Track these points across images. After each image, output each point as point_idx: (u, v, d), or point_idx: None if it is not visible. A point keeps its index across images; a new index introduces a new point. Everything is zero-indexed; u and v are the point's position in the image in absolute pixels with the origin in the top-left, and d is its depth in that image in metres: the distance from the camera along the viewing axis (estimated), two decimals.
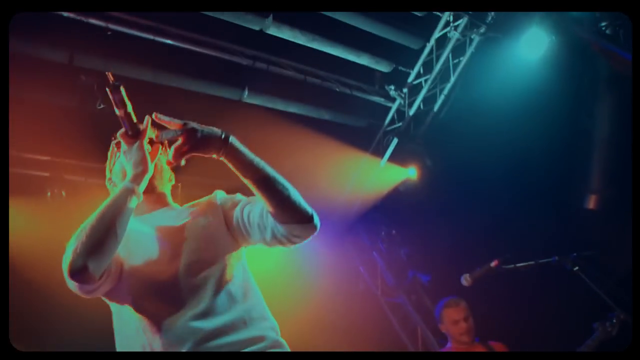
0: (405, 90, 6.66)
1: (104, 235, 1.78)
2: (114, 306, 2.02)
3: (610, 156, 6.85)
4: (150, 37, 5.12)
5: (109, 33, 4.92)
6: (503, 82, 5.99)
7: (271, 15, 5.24)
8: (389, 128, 6.84)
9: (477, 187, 6.46)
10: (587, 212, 7.07)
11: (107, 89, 1.84)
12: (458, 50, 6.34)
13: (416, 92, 6.64)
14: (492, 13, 6.08)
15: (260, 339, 1.92)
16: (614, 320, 3.52)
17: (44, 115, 4.98)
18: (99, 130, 5.22)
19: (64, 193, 5.61)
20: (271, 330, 1.99)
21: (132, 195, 1.89)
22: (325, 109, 6.35)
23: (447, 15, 6.18)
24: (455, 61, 6.40)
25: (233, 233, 2.09)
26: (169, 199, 2.27)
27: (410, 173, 6.70)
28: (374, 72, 6.59)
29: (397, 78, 6.64)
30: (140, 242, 2.01)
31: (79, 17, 4.76)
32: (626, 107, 6.17)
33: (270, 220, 1.94)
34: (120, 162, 2.13)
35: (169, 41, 5.18)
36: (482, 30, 6.13)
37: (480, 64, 6.27)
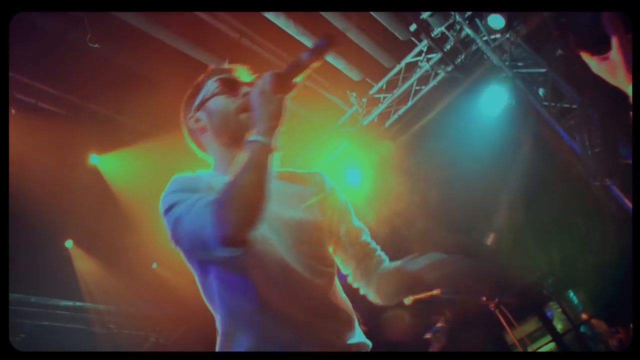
0: (364, 100, 7.03)
1: (259, 194, 1.59)
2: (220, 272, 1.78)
3: (514, 202, 7.65)
4: None
5: None
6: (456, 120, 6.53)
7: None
8: (341, 129, 7.19)
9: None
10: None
11: (328, 39, 1.70)
12: (423, 79, 6.80)
13: (373, 104, 7.03)
14: (462, 55, 6.57)
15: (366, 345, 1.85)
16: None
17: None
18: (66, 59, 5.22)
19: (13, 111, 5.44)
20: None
21: (271, 152, 1.65)
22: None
23: (422, 45, 6.60)
24: (417, 88, 6.85)
25: (335, 237, 2.00)
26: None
27: (350, 174, 7.12)
28: (340, 73, 6.88)
29: (360, 87, 6.98)
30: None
31: None
32: (538, 164, 7.05)
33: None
34: (223, 100, 1.92)
35: None
36: (450, 68, 6.61)
37: (439, 97, 6.76)
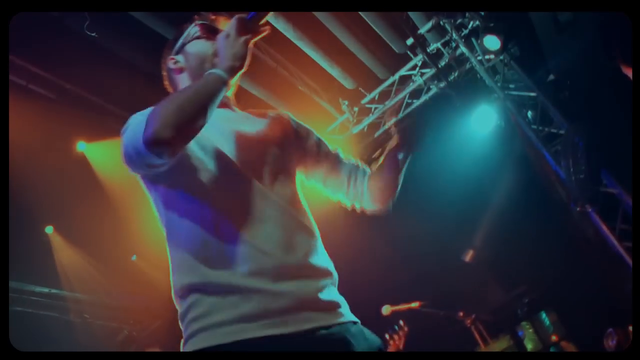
0: (356, 109, 7.08)
1: (198, 112, 1.66)
2: (171, 201, 1.84)
3: (494, 221, 7.75)
4: None
5: None
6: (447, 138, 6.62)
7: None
8: (330, 136, 7.23)
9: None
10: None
11: None
12: (415, 93, 6.86)
13: (365, 114, 7.08)
14: (456, 73, 6.65)
15: (330, 272, 1.87)
16: None
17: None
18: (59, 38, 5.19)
19: None
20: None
21: (224, 87, 1.74)
22: (282, 100, 6.59)
23: (417, 59, 6.66)
24: (409, 101, 6.91)
25: (303, 157, 2.11)
26: (233, 101, 2.13)
27: None
28: (334, 80, 6.93)
29: (353, 96, 7.03)
30: (214, 136, 1.88)
31: None
32: (521, 185, 7.16)
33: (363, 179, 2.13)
34: (202, 43, 2.03)
35: None
36: (442, 84, 6.68)
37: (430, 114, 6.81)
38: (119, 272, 7.11)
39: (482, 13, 5.39)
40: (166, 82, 2.15)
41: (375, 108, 7.03)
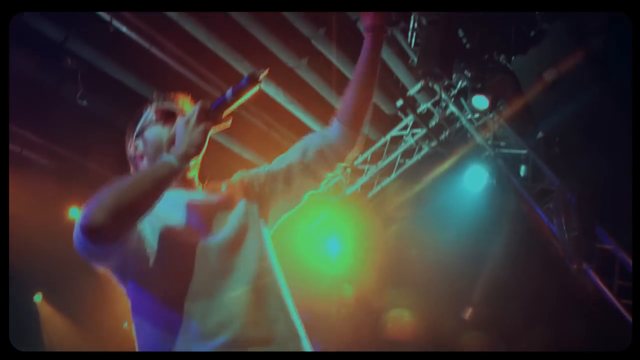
0: (348, 170, 7.11)
1: (138, 199, 1.63)
2: (133, 291, 1.82)
3: (491, 278, 7.66)
4: (146, 45, 5.20)
5: (110, 30, 4.96)
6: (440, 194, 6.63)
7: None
8: (323, 197, 7.22)
9: None
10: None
11: (252, 76, 1.76)
12: (407, 153, 6.91)
13: (357, 175, 7.10)
14: (447, 132, 6.72)
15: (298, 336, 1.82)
16: None
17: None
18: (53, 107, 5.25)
19: None
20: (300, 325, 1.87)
21: (176, 175, 1.72)
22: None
23: (408, 120, 6.75)
24: (401, 161, 6.95)
25: (265, 195, 2.04)
26: (197, 180, 2.06)
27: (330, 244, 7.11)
28: None
29: None
30: (168, 219, 1.83)
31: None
32: (517, 241, 7.12)
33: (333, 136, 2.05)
34: (158, 130, 1.98)
35: (162, 56, 5.27)
36: (434, 144, 6.74)
37: (423, 173, 6.87)
38: (109, 341, 6.92)
39: (469, 74, 5.50)
40: (131, 168, 2.07)
41: (368, 169, 7.06)
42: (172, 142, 1.86)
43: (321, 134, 2.12)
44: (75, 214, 6.04)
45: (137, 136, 2.02)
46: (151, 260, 1.76)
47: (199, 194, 1.98)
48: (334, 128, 2.08)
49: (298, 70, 5.69)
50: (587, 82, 5.80)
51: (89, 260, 1.73)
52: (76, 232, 1.60)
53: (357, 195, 7.17)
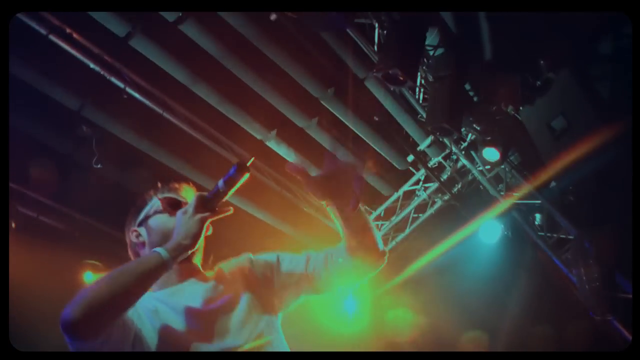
0: None
1: (118, 294, 1.62)
2: None
3: (512, 329, 7.47)
4: (159, 110, 5.32)
5: (125, 96, 5.08)
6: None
7: (275, 131, 5.61)
8: None
9: None
10: None
11: (240, 165, 1.80)
12: (420, 207, 6.90)
13: None
14: (459, 184, 6.72)
15: None
16: None
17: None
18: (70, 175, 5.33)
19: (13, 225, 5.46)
20: None
21: (164, 269, 1.72)
22: (288, 223, 6.61)
23: (420, 174, 6.76)
24: (414, 215, 6.93)
25: (276, 293, 2.02)
26: (200, 268, 2.05)
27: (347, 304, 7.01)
28: None
29: None
30: (169, 319, 1.83)
31: (102, 72, 4.92)
32: (535, 292, 6.98)
33: (341, 259, 1.95)
34: (164, 219, 1.99)
35: (175, 121, 5.38)
36: (447, 197, 6.73)
37: (437, 227, 6.83)
38: None
39: (478, 127, 5.54)
40: (130, 254, 2.06)
41: (382, 224, 7.03)
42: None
43: (342, 253, 2.01)
44: (90, 278, 6.03)
45: (139, 224, 2.02)
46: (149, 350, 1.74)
47: (202, 288, 1.95)
48: (347, 255, 1.99)
49: (308, 130, 5.76)
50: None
51: (75, 348, 1.68)
52: (60, 323, 1.58)
53: None
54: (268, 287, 2.02)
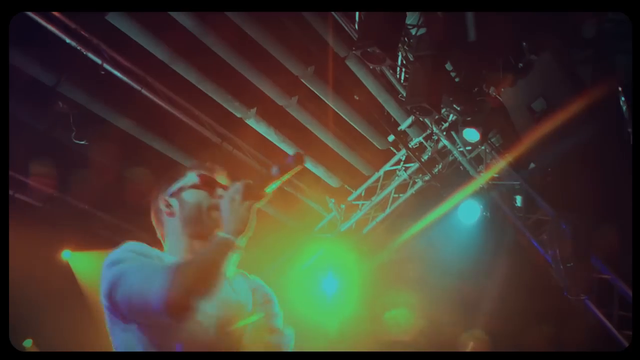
0: (342, 206, 7.09)
1: (214, 280, 1.73)
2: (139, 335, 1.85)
3: (494, 310, 7.57)
4: (138, 87, 5.25)
5: (102, 72, 5.01)
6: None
7: (255, 109, 5.57)
8: (318, 234, 7.19)
9: None
10: None
11: (295, 157, 1.84)
12: (401, 187, 6.91)
13: (352, 211, 7.09)
14: (440, 165, 6.74)
15: None
16: None
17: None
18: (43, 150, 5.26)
19: None
20: None
21: (234, 250, 1.80)
22: (269, 202, 6.58)
23: (401, 154, 6.77)
24: (395, 195, 6.95)
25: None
26: None
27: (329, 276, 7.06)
28: (319, 179, 6.99)
29: (339, 194, 7.07)
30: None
31: (79, 47, 4.84)
32: (517, 271, 7.07)
33: None
34: (200, 195, 2.04)
35: (155, 98, 5.31)
36: (427, 177, 6.75)
37: (418, 207, 6.86)
38: None
39: (459, 108, 5.54)
40: (153, 219, 2.12)
41: (362, 204, 7.05)
42: (212, 208, 1.98)
43: None
44: (67, 256, 6.00)
45: (172, 195, 2.07)
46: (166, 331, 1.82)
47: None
48: None
49: (288, 108, 5.73)
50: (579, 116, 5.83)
51: (136, 319, 1.79)
52: (148, 301, 1.68)
53: (352, 231, 7.14)
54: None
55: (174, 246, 2.03)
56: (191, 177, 2.08)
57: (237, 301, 2.00)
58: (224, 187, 2.00)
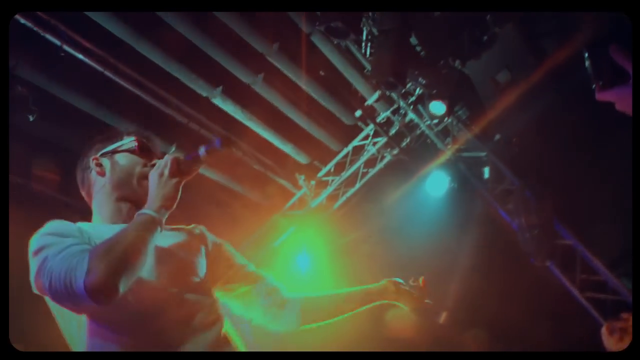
0: (312, 182, 7.11)
1: (133, 258, 1.68)
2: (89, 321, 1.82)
3: (464, 280, 7.72)
4: (100, 69, 5.14)
5: (62, 54, 4.89)
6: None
7: (221, 87, 5.51)
8: (289, 212, 7.21)
9: None
10: None
11: (225, 139, 1.88)
12: (370, 162, 6.96)
13: (322, 187, 7.12)
14: (408, 139, 6.80)
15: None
16: None
17: None
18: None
19: None
20: None
21: (158, 227, 1.78)
22: (237, 181, 6.58)
23: (369, 129, 6.80)
24: (364, 170, 6.99)
25: (216, 273, 2.11)
26: None
27: (299, 259, 7.09)
28: (288, 156, 6.98)
29: (309, 170, 7.08)
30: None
31: (36, 29, 4.71)
32: (487, 242, 7.21)
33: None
34: (134, 160, 2.03)
35: (116, 79, 5.21)
36: (396, 151, 6.80)
37: (387, 182, 6.92)
38: None
39: (424, 81, 5.58)
40: (78, 177, 2.10)
41: (332, 180, 7.08)
42: (142, 177, 1.97)
43: (282, 299, 2.26)
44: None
45: (103, 154, 2.04)
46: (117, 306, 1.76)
47: (165, 236, 1.98)
48: (291, 315, 2.26)
49: (254, 86, 5.68)
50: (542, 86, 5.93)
51: (65, 304, 1.73)
52: (69, 285, 1.61)
53: (323, 207, 7.18)
54: (211, 263, 2.10)
55: (102, 208, 2.01)
56: (128, 141, 2.06)
57: (178, 258, 1.98)
58: (160, 157, 1.97)
